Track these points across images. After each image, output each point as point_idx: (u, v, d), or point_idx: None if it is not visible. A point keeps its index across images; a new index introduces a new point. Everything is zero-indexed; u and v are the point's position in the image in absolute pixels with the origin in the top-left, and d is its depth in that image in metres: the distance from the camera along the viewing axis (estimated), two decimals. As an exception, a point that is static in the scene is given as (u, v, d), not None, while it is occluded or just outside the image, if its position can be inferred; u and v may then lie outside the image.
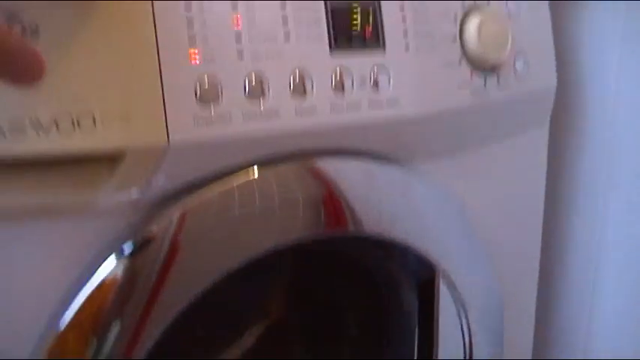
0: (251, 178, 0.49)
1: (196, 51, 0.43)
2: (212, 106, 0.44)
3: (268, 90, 0.46)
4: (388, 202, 0.54)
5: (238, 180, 0.48)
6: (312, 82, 0.47)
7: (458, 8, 0.55)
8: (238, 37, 0.45)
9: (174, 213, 0.46)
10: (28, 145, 0.40)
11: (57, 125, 0.40)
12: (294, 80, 0.47)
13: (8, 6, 0.38)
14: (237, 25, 0.45)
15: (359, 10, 0.50)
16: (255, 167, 0.48)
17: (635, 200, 0.69)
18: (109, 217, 0.46)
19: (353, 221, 0.54)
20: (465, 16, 0.56)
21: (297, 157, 0.50)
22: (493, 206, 0.65)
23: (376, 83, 0.50)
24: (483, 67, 0.56)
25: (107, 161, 0.44)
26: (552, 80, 0.65)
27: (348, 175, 0.52)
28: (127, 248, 0.45)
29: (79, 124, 0.41)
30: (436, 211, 0.58)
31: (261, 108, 0.45)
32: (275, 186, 0.49)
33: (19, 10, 0.38)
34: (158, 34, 0.42)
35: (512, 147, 0.65)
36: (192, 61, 0.43)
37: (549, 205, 0.73)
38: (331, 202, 0.53)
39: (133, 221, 0.46)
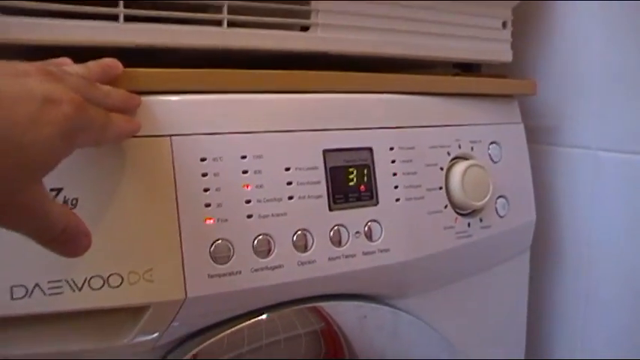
0: (258, 319, 0.54)
1: (211, 214, 0.50)
2: (224, 264, 0.50)
3: (274, 247, 0.52)
4: (379, 339, 0.60)
5: (247, 321, 0.54)
6: (312, 238, 0.54)
7: (444, 159, 0.62)
8: (248, 198, 0.51)
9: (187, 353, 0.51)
10: (64, 303, 0.46)
11: (90, 285, 0.46)
12: (297, 237, 0.53)
13: (54, 182, 0.45)
14: (247, 187, 0.51)
15: (355, 169, 0.56)
16: (265, 315, 0.54)
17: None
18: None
19: (348, 351, 0.60)
20: (451, 166, 0.63)
21: (299, 300, 0.56)
22: (477, 329, 0.71)
23: (369, 234, 0.57)
24: (467, 211, 0.63)
25: (132, 310, 0.50)
26: (532, 216, 0.72)
27: (344, 315, 0.58)
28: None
29: (108, 284, 0.47)
30: (422, 345, 0.64)
31: (268, 264, 0.52)
32: (280, 325, 0.55)
33: (64, 185, 0.45)
34: (179, 202, 0.49)
35: (495, 274, 0.71)
36: (208, 221, 0.50)
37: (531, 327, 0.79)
38: (329, 334, 0.59)
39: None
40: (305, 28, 0.59)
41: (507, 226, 0.67)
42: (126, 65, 0.47)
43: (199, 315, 0.51)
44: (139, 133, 0.48)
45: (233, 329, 0.54)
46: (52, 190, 0.46)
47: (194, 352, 0.52)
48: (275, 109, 0.53)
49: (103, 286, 0.47)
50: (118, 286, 0.47)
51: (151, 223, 0.48)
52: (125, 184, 0.48)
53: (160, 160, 0.48)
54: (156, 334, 0.51)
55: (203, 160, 0.50)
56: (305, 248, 0.53)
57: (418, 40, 0.64)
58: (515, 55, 0.72)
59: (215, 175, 0.50)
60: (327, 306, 0.58)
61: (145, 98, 0.49)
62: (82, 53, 0.46)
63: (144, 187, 0.48)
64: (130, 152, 0.48)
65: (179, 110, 0.50)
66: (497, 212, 0.66)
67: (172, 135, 0.49)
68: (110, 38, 0.49)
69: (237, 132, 0.51)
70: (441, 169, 0.62)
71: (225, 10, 0.53)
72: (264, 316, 0.55)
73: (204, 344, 0.53)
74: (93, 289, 0.46)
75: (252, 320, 0.55)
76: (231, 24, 0.54)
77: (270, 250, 0.52)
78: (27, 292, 0.45)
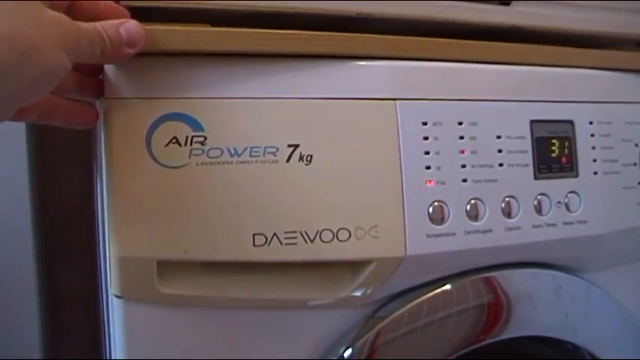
0: (438, 291, 0.56)
1: (431, 176, 0.52)
2: (440, 225, 0.52)
3: (485, 212, 0.54)
4: (573, 313, 0.60)
5: (428, 294, 0.56)
6: (518, 205, 0.55)
7: (638, 136, 0.62)
8: (464, 163, 0.53)
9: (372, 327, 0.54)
10: (298, 253, 0.49)
11: (321, 238, 0.49)
12: (504, 204, 0.54)
13: (292, 138, 0.48)
14: (463, 152, 0.53)
15: (557, 141, 0.57)
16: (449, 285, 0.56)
17: None
18: (341, 311, 0.54)
19: (537, 325, 0.61)
20: (644, 143, 0.63)
21: (489, 269, 0.57)
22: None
23: (569, 205, 0.57)
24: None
25: (349, 265, 0.52)
26: None
27: (539, 285, 0.59)
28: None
29: (337, 238, 0.49)
30: (611, 320, 0.64)
31: (479, 227, 0.53)
32: (456, 296, 0.57)
33: (300, 142, 0.49)
34: (403, 163, 0.51)
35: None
36: (428, 184, 0.52)
37: None
38: (495, 308, 0.60)
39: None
40: (505, 2, 0.60)
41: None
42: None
43: (413, 273, 0.53)
44: (368, 96, 0.50)
45: (429, 295, 0.56)
46: (289, 145, 0.48)
47: (398, 312, 0.54)
48: (487, 78, 0.55)
49: (332, 239, 0.49)
50: (345, 240, 0.49)
51: (377, 182, 0.50)
52: (354, 143, 0.50)
53: (386, 122, 0.51)
54: (370, 290, 0.53)
55: (424, 124, 0.52)
56: (510, 215, 0.54)
57: (608, 17, 0.64)
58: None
59: (435, 139, 0.52)
60: (506, 275, 0.59)
61: (373, 63, 0.51)
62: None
63: (371, 147, 0.50)
64: (358, 113, 0.50)
65: (403, 75, 0.52)
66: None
67: (397, 99, 0.51)
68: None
69: (455, 99, 0.53)
70: (636, 145, 0.62)
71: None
72: (448, 286, 0.56)
73: (408, 306, 0.55)
74: (323, 242, 0.49)
75: (433, 294, 0.55)
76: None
77: (479, 215, 0.53)
78: (266, 240, 0.48)
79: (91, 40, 0.40)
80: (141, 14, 0.47)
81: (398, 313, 0.54)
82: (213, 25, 0.48)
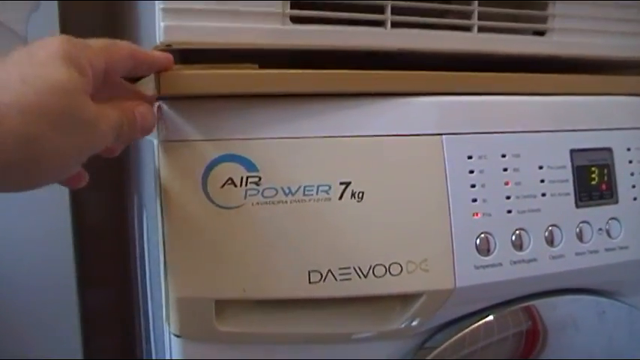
0: (480, 323, 0.57)
1: (478, 209, 0.53)
2: (487, 256, 0.53)
3: (530, 241, 0.55)
4: (617, 337, 0.61)
5: (472, 325, 0.57)
6: (561, 233, 0.56)
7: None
8: (508, 195, 0.54)
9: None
10: (352, 288, 0.50)
11: (374, 273, 0.50)
12: (547, 232, 0.55)
13: (344, 176, 0.50)
14: (507, 184, 0.54)
15: (597, 169, 0.58)
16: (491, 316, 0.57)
17: None
18: (385, 342, 0.56)
19: (582, 350, 0.62)
20: (678, 167, 0.64)
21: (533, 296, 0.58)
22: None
23: (609, 231, 0.58)
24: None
25: (400, 298, 0.53)
26: None
27: (582, 311, 0.60)
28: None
29: (390, 272, 0.51)
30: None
31: (524, 257, 0.54)
32: (496, 326, 0.58)
33: (352, 179, 0.50)
34: (450, 197, 0.52)
35: None
36: (475, 216, 0.53)
37: None
38: (532, 335, 0.61)
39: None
40: (540, 33, 0.61)
41: None
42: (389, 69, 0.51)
43: (461, 304, 0.54)
44: (415, 132, 0.51)
45: (473, 327, 0.57)
46: (341, 183, 0.50)
47: (448, 343, 0.55)
48: (527, 110, 0.56)
49: (385, 274, 0.50)
50: (397, 274, 0.51)
51: (426, 216, 0.51)
52: (403, 179, 0.51)
53: (433, 157, 0.52)
54: (417, 322, 0.54)
55: (470, 157, 0.53)
56: (552, 243, 0.56)
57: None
58: None
59: (480, 172, 0.53)
60: (550, 302, 0.60)
61: (419, 99, 0.52)
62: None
63: (420, 182, 0.52)
64: (407, 149, 0.52)
65: (449, 110, 0.53)
66: None
67: (443, 134, 0.52)
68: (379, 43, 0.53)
69: (498, 132, 0.54)
70: (671, 169, 0.63)
71: (475, 16, 0.56)
72: (490, 317, 0.57)
73: (457, 336, 0.56)
74: (376, 277, 0.50)
75: (476, 325, 0.57)
76: (480, 29, 0.56)
77: (524, 244, 0.54)
78: (321, 277, 0.49)
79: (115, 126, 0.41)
80: (184, 56, 0.48)
81: (444, 345, 0.55)
82: (261, 63, 0.49)
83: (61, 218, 0.78)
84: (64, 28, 0.77)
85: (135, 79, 0.49)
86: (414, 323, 0.54)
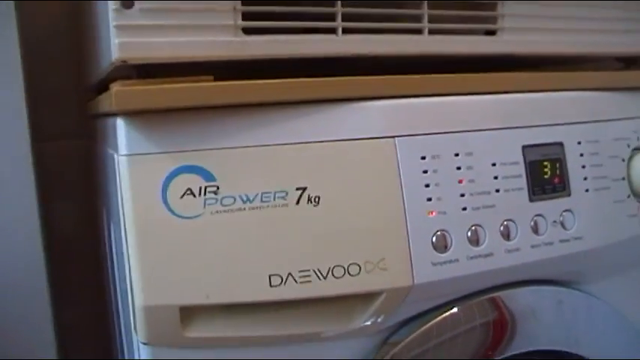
0: (446, 314, 0.59)
1: (433, 207, 0.55)
2: (443, 253, 0.55)
3: (485, 237, 0.57)
4: (575, 326, 0.64)
5: (437, 317, 0.59)
6: (516, 227, 0.58)
7: (625, 151, 0.65)
8: (462, 192, 0.56)
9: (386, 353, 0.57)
10: (312, 290, 0.52)
11: (333, 274, 0.52)
12: (503, 227, 0.57)
13: (300, 182, 0.51)
14: (461, 182, 0.56)
15: (549, 163, 0.60)
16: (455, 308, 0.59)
17: None
18: (353, 339, 0.57)
19: (542, 340, 0.64)
20: (631, 157, 0.66)
21: (493, 289, 0.60)
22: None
23: (564, 223, 0.60)
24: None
25: (360, 297, 0.55)
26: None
27: (541, 301, 0.62)
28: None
29: (348, 273, 0.52)
30: (612, 328, 0.67)
31: (480, 252, 0.56)
32: (462, 317, 0.60)
33: (308, 184, 0.52)
34: (405, 197, 0.54)
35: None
36: (430, 215, 0.55)
37: None
38: (499, 325, 0.63)
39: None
40: (491, 32, 0.63)
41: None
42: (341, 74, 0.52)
43: (421, 300, 0.56)
44: (368, 135, 0.53)
45: (438, 319, 0.59)
46: (297, 189, 0.51)
47: (413, 336, 0.57)
48: (479, 109, 0.58)
49: (344, 274, 0.52)
50: (356, 275, 0.52)
51: (382, 217, 0.53)
52: (358, 182, 0.53)
53: (387, 160, 0.54)
54: (381, 319, 0.56)
55: (423, 158, 0.55)
56: (508, 237, 0.58)
57: (590, 38, 0.68)
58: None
59: (434, 171, 0.55)
60: (510, 294, 0.62)
61: (371, 103, 0.54)
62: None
63: (374, 184, 0.53)
64: (360, 153, 0.53)
65: (400, 113, 0.55)
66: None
67: (396, 136, 0.54)
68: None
69: (451, 131, 0.56)
70: (623, 160, 0.65)
71: (425, 19, 0.58)
72: (455, 309, 0.59)
73: (418, 331, 0.58)
74: (336, 278, 0.52)
75: (442, 317, 0.59)
76: (431, 32, 0.58)
77: (480, 240, 0.56)
78: (282, 280, 0.51)
79: None
80: (142, 72, 0.49)
81: (409, 338, 0.57)
82: (215, 75, 0.51)
83: (31, 230, 0.78)
84: (23, 30, 0.77)
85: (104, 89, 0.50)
86: (379, 320, 0.55)
